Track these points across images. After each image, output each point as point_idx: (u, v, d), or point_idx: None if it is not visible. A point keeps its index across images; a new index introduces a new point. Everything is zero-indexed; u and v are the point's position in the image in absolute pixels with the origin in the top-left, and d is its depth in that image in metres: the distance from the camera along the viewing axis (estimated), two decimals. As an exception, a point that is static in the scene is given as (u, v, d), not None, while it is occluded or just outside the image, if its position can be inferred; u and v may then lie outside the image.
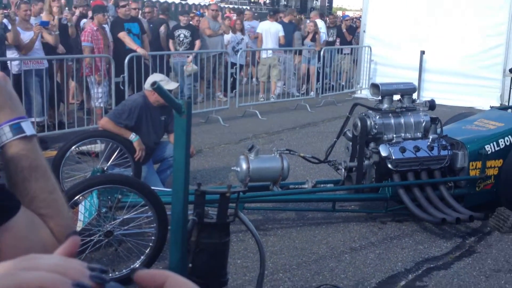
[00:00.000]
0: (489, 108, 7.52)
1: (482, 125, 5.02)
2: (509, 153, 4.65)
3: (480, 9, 10.80)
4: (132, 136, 4.89)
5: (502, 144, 4.69)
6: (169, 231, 3.19)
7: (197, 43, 10.37)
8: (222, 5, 27.11)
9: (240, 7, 26.39)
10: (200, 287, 0.61)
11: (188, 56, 9.97)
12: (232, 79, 10.13)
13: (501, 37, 10.69)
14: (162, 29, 10.69)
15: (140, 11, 10.34)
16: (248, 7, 26.30)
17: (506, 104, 9.90)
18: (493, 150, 4.67)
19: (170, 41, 10.30)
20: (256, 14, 18.24)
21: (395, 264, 3.99)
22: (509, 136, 4.71)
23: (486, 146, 4.66)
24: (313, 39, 12.01)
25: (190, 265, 2.78)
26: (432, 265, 3.98)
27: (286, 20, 12.58)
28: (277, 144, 7.47)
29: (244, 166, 4.49)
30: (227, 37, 11.41)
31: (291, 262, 4.00)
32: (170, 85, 5.01)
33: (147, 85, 5.09)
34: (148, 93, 5.05)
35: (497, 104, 10.16)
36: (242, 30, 11.96)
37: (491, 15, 10.72)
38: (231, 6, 28.60)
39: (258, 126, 8.92)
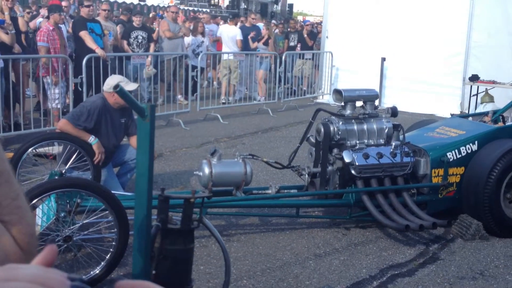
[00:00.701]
0: (450, 116, 7.68)
1: (444, 132, 5.09)
2: (471, 160, 4.72)
3: (441, 18, 11.02)
4: (91, 139, 4.76)
5: (463, 152, 4.76)
6: (132, 237, 3.09)
7: (152, 45, 10.31)
8: (181, 7, 26.98)
9: (200, 9, 26.28)
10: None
11: (148, 58, 9.83)
12: (192, 82, 10.03)
13: (461, 45, 10.94)
14: (118, 29, 10.51)
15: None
16: (208, 10, 26.26)
17: (466, 112, 10.15)
18: (455, 158, 4.73)
19: (124, 42, 10.11)
20: (219, 17, 18.24)
21: (360, 271, 3.97)
22: (471, 144, 4.78)
23: (448, 154, 4.72)
24: (266, 43, 12.07)
25: (153, 272, 2.69)
26: (396, 272, 3.98)
27: (248, 24, 12.65)
28: (239, 148, 7.41)
29: (207, 170, 4.41)
30: (187, 39, 11.34)
31: (255, 269, 3.94)
32: (129, 86, 4.92)
33: (106, 86, 4.96)
34: (108, 94, 4.92)
35: (457, 112, 10.40)
36: (202, 33, 11.90)
37: (451, 23, 10.96)
38: (190, 8, 28.45)
39: (220, 130, 8.84)
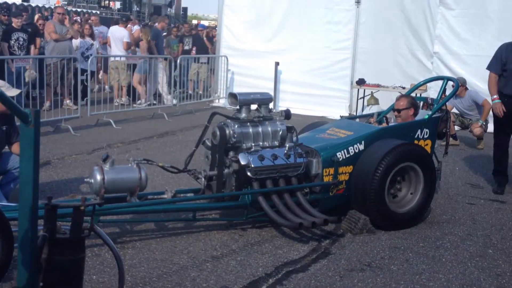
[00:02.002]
0: (339, 118, 8.04)
1: (334, 133, 5.31)
2: (358, 159, 4.96)
3: (329, 25, 11.62)
4: (-31, 147, 4.42)
5: (352, 151, 4.99)
6: (16, 249, 2.90)
7: (32, 47, 9.85)
8: (69, 8, 25.92)
9: (90, 11, 25.40)
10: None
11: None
12: (82, 86, 9.64)
13: (347, 51, 11.61)
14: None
15: None
16: (98, 12, 25.47)
17: (354, 113, 10.73)
18: (344, 157, 4.95)
19: (5, 45, 9.52)
20: (114, 20, 17.80)
21: (256, 270, 4.03)
22: (358, 144, 5.03)
23: (337, 153, 4.93)
24: (137, 46, 11.98)
25: (41, 284, 2.54)
26: (291, 268, 4.09)
27: (159, 27, 12.54)
28: (133, 153, 7.24)
29: (99, 177, 4.27)
30: (76, 42, 10.91)
31: (151, 275, 3.86)
32: (11, 91, 4.64)
33: (-16, 91, 4.61)
34: (-14, 100, 4.58)
35: (346, 114, 10.96)
36: (91, 35, 11.51)
37: (338, 30, 11.59)
38: (79, 10, 27.42)
39: (113, 135, 8.58)
